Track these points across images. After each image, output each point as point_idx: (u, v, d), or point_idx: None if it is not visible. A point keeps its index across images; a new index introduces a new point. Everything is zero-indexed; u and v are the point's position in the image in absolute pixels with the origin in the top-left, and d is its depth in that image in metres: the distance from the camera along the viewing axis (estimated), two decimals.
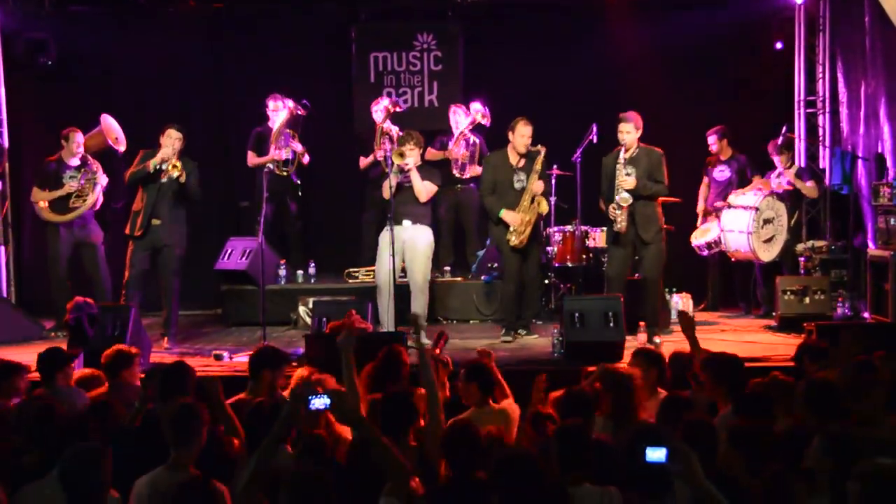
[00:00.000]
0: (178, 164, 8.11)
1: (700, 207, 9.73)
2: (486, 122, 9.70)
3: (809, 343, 6.13)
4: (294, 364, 6.76)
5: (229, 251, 9.50)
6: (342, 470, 4.01)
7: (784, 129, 9.67)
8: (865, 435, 4.04)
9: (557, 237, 9.18)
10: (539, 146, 8.17)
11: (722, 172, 9.60)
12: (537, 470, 3.67)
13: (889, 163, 8.85)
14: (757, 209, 8.63)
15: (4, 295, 9.88)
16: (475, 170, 9.59)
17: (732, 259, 9.13)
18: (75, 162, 9.06)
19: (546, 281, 9.33)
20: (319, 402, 3.77)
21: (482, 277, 9.53)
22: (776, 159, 9.40)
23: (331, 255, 10.63)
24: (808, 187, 9.40)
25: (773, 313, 8.79)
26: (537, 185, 8.16)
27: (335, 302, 8.35)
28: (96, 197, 9.05)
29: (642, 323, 7.95)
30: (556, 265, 9.26)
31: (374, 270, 8.51)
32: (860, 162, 9.44)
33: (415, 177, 8.16)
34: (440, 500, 3.70)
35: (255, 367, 5.42)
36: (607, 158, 8.05)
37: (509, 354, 7.57)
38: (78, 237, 9.07)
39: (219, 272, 9.54)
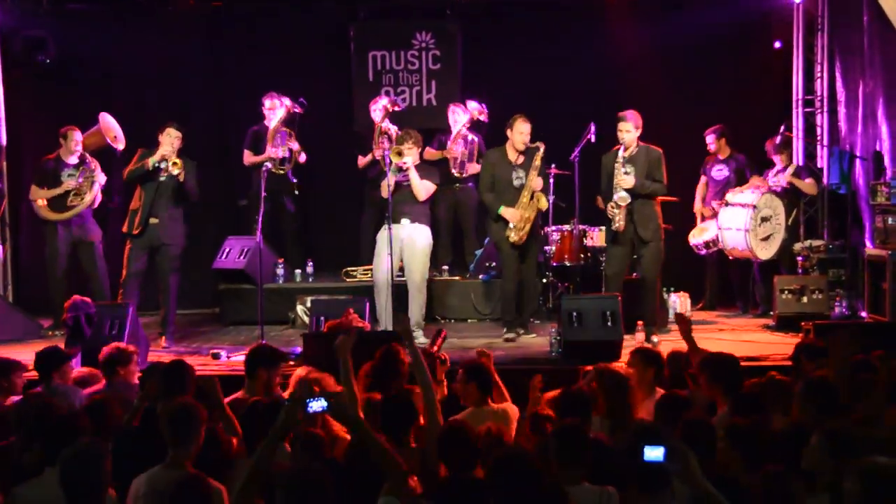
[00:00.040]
0: (179, 161, 8.10)
1: (697, 206, 9.73)
2: (483, 118, 9.70)
3: (807, 342, 6.13)
4: (292, 363, 6.78)
5: (227, 250, 9.51)
6: (340, 468, 4.01)
7: (782, 128, 9.68)
8: (864, 434, 4.04)
9: (555, 236, 9.18)
10: (538, 142, 8.17)
11: (720, 172, 9.60)
12: (535, 470, 3.67)
13: (887, 162, 8.84)
14: (754, 207, 8.63)
15: (2, 294, 9.86)
16: (474, 167, 9.60)
17: (730, 257, 9.13)
18: (74, 160, 9.06)
19: (544, 280, 9.33)
20: (317, 405, 3.77)
21: (480, 276, 9.53)
22: (776, 158, 9.41)
23: (329, 253, 10.63)
24: (807, 184, 9.41)
25: (771, 312, 8.80)
26: (536, 182, 8.16)
27: (333, 301, 8.35)
28: (94, 195, 9.04)
29: (640, 322, 7.95)
30: (554, 264, 9.26)
31: (371, 269, 8.50)
32: (858, 161, 9.44)
33: (413, 176, 8.16)
34: (438, 500, 3.69)
35: (251, 366, 5.43)
36: (607, 157, 8.06)
37: (506, 354, 7.57)
38: (76, 235, 9.06)
39: (217, 271, 9.55)
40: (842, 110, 9.81)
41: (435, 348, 6.14)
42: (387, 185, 8.07)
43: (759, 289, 9.45)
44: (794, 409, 4.68)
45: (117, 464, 3.96)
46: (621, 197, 7.86)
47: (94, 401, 4.99)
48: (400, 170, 8.15)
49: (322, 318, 7.70)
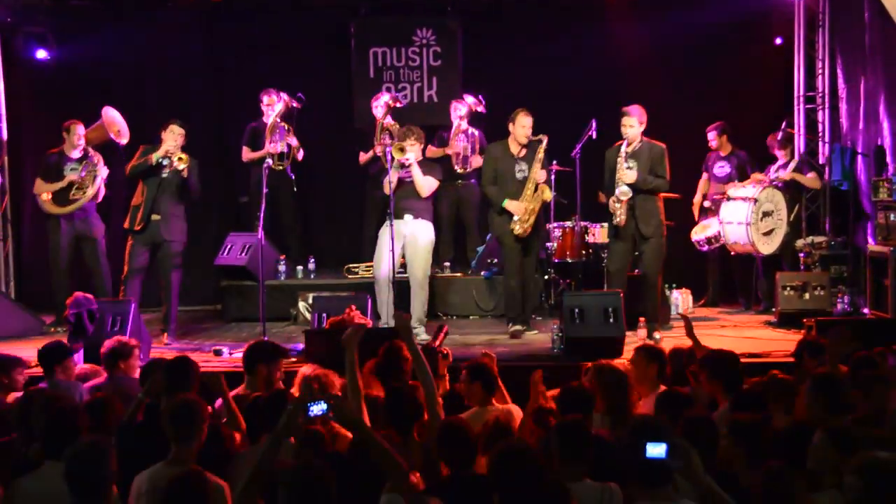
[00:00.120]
0: (185, 156, 8.10)
1: (697, 198, 9.72)
2: (481, 109, 9.68)
3: (809, 339, 6.12)
4: (293, 360, 6.78)
5: (229, 246, 9.51)
6: (343, 463, 4.01)
7: (784, 124, 9.68)
8: (866, 434, 4.04)
9: (557, 233, 9.18)
10: (541, 135, 8.17)
11: (722, 168, 9.60)
12: (537, 465, 3.67)
13: (889, 158, 8.84)
14: (755, 200, 8.62)
15: (4, 290, 9.87)
16: (477, 160, 9.57)
17: (732, 253, 9.12)
18: (77, 154, 9.05)
19: (546, 277, 9.33)
20: (317, 409, 3.80)
21: (482, 273, 9.52)
22: (778, 153, 9.41)
23: (331, 250, 10.65)
24: (810, 178, 9.42)
25: (773, 309, 8.79)
26: (540, 174, 8.17)
27: (335, 297, 8.33)
28: (96, 189, 9.02)
29: (642, 319, 7.96)
30: (556, 261, 9.26)
31: (373, 266, 8.49)
32: (860, 158, 9.44)
33: (416, 172, 8.15)
34: (441, 497, 3.69)
35: (250, 362, 5.42)
36: (610, 152, 8.05)
37: (509, 350, 7.58)
38: (79, 230, 9.06)
39: (218, 267, 9.55)
40: (843, 107, 9.82)
41: (437, 343, 6.15)
42: (388, 182, 8.06)
43: (761, 285, 9.46)
44: (799, 407, 4.69)
45: (119, 460, 3.96)
46: (623, 191, 7.86)
47: (95, 398, 5.00)
48: (402, 166, 8.14)
49: (324, 315, 7.70)
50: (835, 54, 9.91)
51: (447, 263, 9.85)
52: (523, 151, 8.25)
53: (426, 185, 8.21)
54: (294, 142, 9.83)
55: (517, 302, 8.34)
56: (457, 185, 9.81)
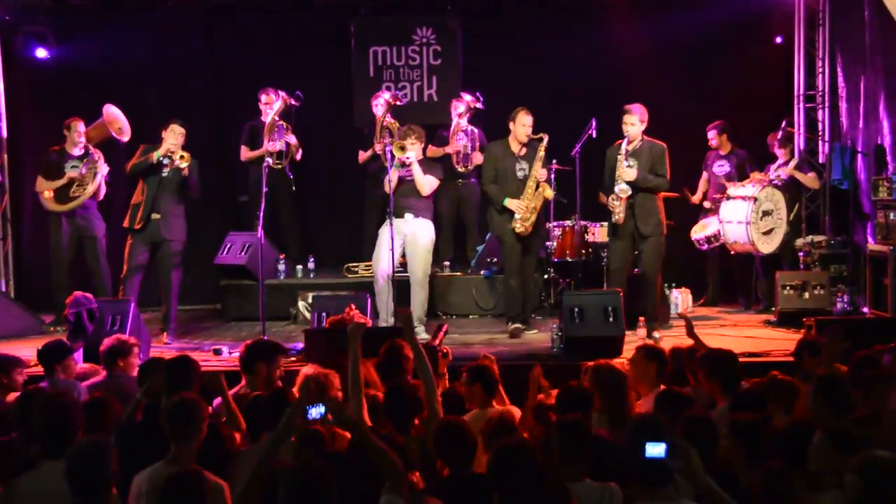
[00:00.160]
0: (187, 154, 8.09)
1: (697, 197, 9.72)
2: (479, 105, 9.67)
3: (809, 338, 6.12)
4: (293, 359, 6.78)
5: (229, 246, 9.51)
6: (342, 462, 4.01)
7: (784, 123, 9.68)
8: (866, 434, 4.03)
9: (557, 232, 9.18)
10: (541, 134, 8.17)
11: (721, 167, 9.60)
12: (537, 465, 3.67)
13: (888, 157, 8.85)
14: (755, 199, 8.61)
15: (3, 289, 9.87)
16: (478, 157, 9.55)
17: (732, 252, 9.11)
18: (77, 151, 9.05)
19: (545, 276, 9.33)
20: (315, 412, 3.81)
21: (482, 272, 9.52)
22: (778, 152, 9.40)
23: (330, 249, 10.65)
24: (810, 178, 9.42)
25: (773, 308, 8.79)
26: (541, 172, 8.16)
27: (335, 297, 8.32)
28: (96, 186, 8.99)
29: (642, 318, 7.96)
30: (556, 260, 9.27)
31: (372, 273, 8.47)
32: (860, 157, 9.44)
33: (417, 170, 8.15)
34: (441, 497, 3.69)
35: (250, 361, 5.41)
36: (611, 150, 8.05)
37: (509, 349, 7.58)
38: (79, 227, 9.05)
39: (218, 267, 9.55)
40: (843, 105, 9.81)
41: (437, 342, 6.15)
42: (388, 181, 8.06)
43: (760, 285, 9.45)
44: (799, 407, 4.69)
45: (119, 460, 3.96)
46: (622, 189, 7.86)
47: (93, 397, 5.00)
48: (403, 165, 8.14)
49: (323, 314, 7.69)
50: (835, 53, 9.91)
51: (447, 263, 9.84)
52: (523, 150, 8.25)
53: (427, 183, 8.20)
54: (293, 140, 9.83)
55: (517, 301, 8.34)
56: (457, 184, 9.80)
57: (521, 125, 8.17)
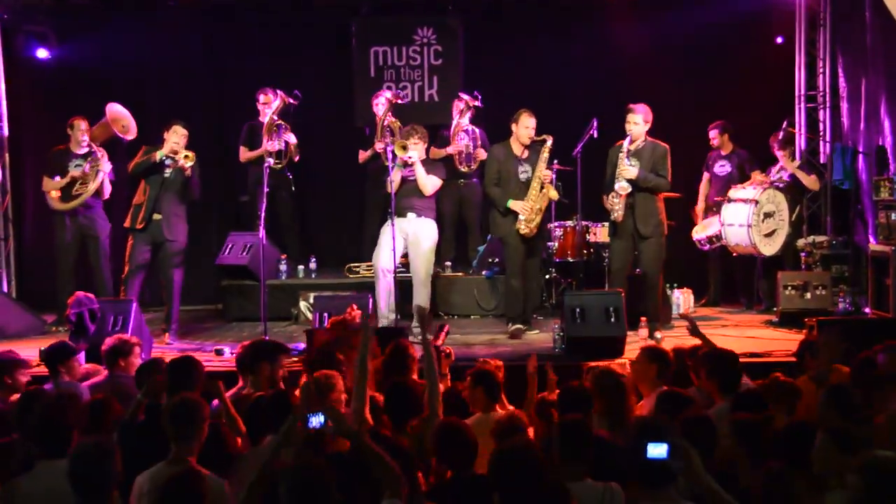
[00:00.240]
0: (191, 153, 8.10)
1: (700, 206, 9.72)
2: (477, 103, 9.65)
3: (811, 339, 6.12)
4: (295, 359, 6.78)
5: (230, 246, 9.52)
6: (344, 463, 4.01)
7: (785, 123, 9.67)
8: (866, 434, 4.04)
9: (558, 232, 9.19)
10: (545, 135, 8.17)
11: (723, 167, 9.61)
12: (537, 465, 3.67)
13: (890, 158, 8.84)
14: (757, 202, 8.62)
15: (5, 289, 9.87)
16: (481, 153, 9.54)
17: (734, 254, 9.12)
18: (81, 150, 9.05)
19: (547, 276, 9.33)
20: (315, 421, 3.84)
21: (483, 273, 9.52)
22: (779, 154, 9.40)
23: (332, 249, 10.66)
24: (811, 180, 9.41)
25: (774, 308, 8.79)
26: (546, 173, 8.16)
27: (336, 297, 8.32)
28: (98, 183, 8.98)
29: (643, 318, 7.95)
30: (557, 260, 9.27)
31: (373, 267, 8.47)
32: (861, 157, 9.44)
33: (419, 170, 8.15)
34: (442, 500, 3.70)
35: (253, 361, 5.41)
36: (613, 149, 8.03)
37: (511, 350, 7.57)
38: (83, 225, 9.06)
39: (220, 267, 9.56)
40: (844, 106, 9.81)
41: (439, 342, 6.15)
42: (390, 181, 8.05)
43: (762, 285, 9.45)
44: (801, 408, 4.69)
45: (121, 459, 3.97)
46: (622, 186, 7.85)
47: (94, 398, 5.00)
48: (406, 164, 8.14)
49: (325, 315, 7.69)
50: (836, 53, 9.91)
51: (448, 263, 9.84)
52: (525, 152, 8.24)
53: (429, 183, 8.20)
54: (292, 139, 9.82)
55: (518, 302, 8.33)
56: (459, 185, 9.79)
57: (524, 127, 8.16)
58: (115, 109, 9.32)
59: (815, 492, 3.68)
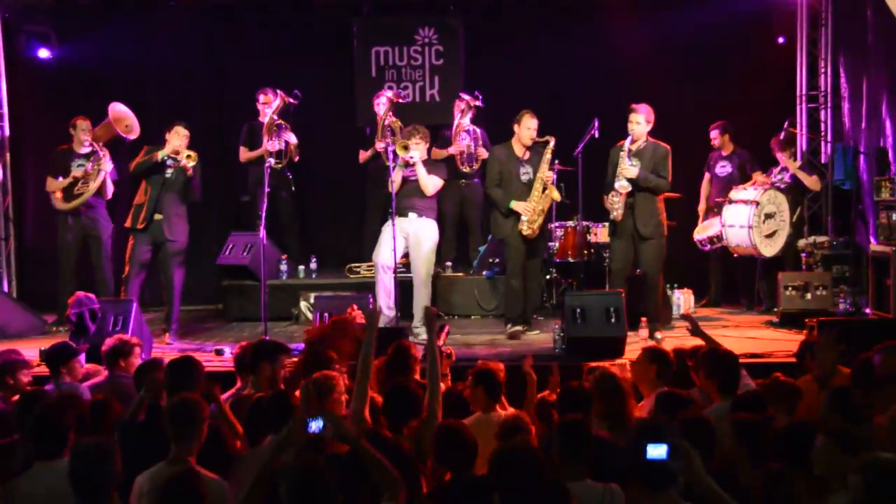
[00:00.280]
0: (193, 153, 8.10)
1: (701, 206, 9.71)
2: (478, 103, 9.65)
3: (811, 340, 6.11)
4: (296, 359, 6.77)
5: (231, 246, 9.52)
6: (343, 463, 4.01)
7: (786, 123, 9.67)
8: (866, 435, 4.04)
9: (559, 232, 9.19)
10: (548, 136, 8.16)
11: (724, 168, 9.60)
12: (537, 465, 3.67)
13: (891, 158, 8.83)
14: (757, 203, 8.61)
15: (6, 289, 9.87)
16: (483, 153, 9.53)
17: (734, 255, 9.11)
18: (83, 150, 9.06)
19: (547, 276, 9.32)
20: (315, 426, 3.85)
21: (484, 273, 9.52)
22: (779, 156, 9.39)
23: (332, 249, 10.66)
24: (812, 180, 9.40)
25: (775, 309, 8.79)
26: (549, 174, 8.15)
27: (337, 297, 8.33)
28: (100, 182, 8.98)
29: (644, 319, 7.95)
30: (558, 260, 9.27)
31: (374, 265, 8.47)
32: (862, 157, 9.43)
33: (421, 171, 8.14)
34: (442, 499, 3.70)
35: (253, 362, 5.41)
36: (614, 149, 8.03)
37: (511, 350, 7.57)
38: (85, 225, 9.07)
39: (220, 267, 9.56)
40: (845, 106, 9.80)
41: (440, 342, 6.15)
42: (391, 181, 8.05)
43: (762, 285, 9.44)
44: (801, 408, 4.69)
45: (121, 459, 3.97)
46: (622, 185, 7.85)
47: (94, 399, 5.00)
48: (407, 164, 8.14)
49: (326, 315, 7.69)
50: (837, 53, 9.90)
51: (449, 263, 9.84)
52: (527, 153, 8.24)
53: (431, 183, 8.20)
54: (292, 139, 9.81)
55: (518, 303, 8.32)
56: (461, 185, 9.80)
57: (526, 128, 8.15)
58: (118, 109, 9.31)
59: (818, 494, 3.67)
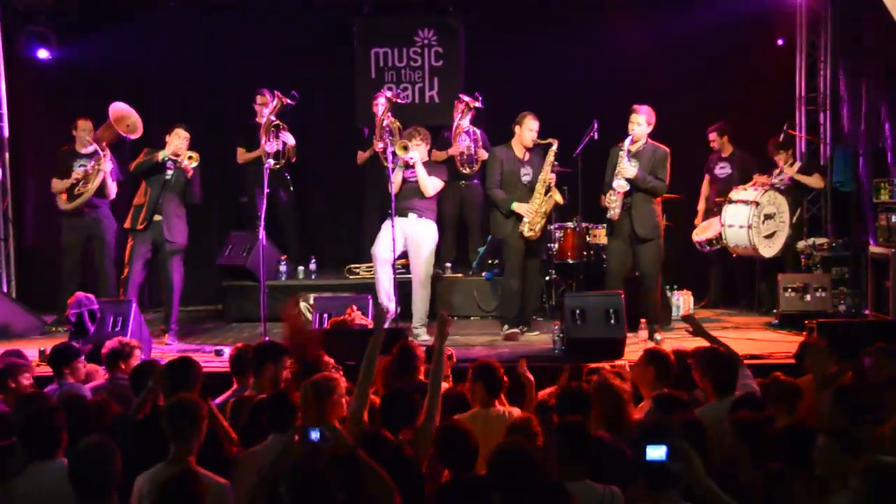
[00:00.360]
0: (195, 154, 8.10)
1: (701, 207, 9.72)
2: (478, 104, 9.65)
3: (811, 341, 6.12)
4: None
5: (230, 246, 9.53)
6: (343, 463, 4.01)
7: (785, 126, 9.67)
8: (867, 436, 4.04)
9: (558, 234, 9.19)
10: (550, 139, 8.16)
11: (723, 169, 9.61)
12: (537, 465, 3.67)
13: (890, 160, 8.84)
14: (757, 203, 8.62)
15: (5, 289, 9.87)
16: (483, 154, 9.53)
17: (734, 255, 9.11)
18: (86, 150, 9.06)
19: (547, 278, 9.32)
20: (315, 436, 3.89)
21: (483, 274, 9.53)
22: (777, 159, 9.38)
23: (332, 250, 10.66)
24: (814, 178, 9.42)
25: (774, 310, 8.79)
26: (551, 176, 8.16)
27: (336, 298, 8.33)
28: (99, 182, 8.97)
29: (643, 320, 7.95)
30: (557, 261, 9.27)
31: (372, 263, 8.46)
32: (861, 159, 9.44)
33: (421, 172, 8.14)
34: (443, 499, 3.70)
35: (257, 363, 5.40)
36: (614, 149, 8.03)
37: (510, 351, 7.57)
38: (88, 228, 9.08)
39: (220, 267, 9.56)
40: (844, 108, 9.80)
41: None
42: (391, 181, 8.05)
43: (762, 287, 9.44)
44: (801, 408, 4.69)
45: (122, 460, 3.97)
46: (620, 184, 7.85)
47: (94, 401, 5.00)
48: (407, 166, 8.14)
49: (325, 315, 7.70)
50: (836, 55, 9.90)
51: (449, 264, 9.84)
52: (528, 155, 8.24)
53: (431, 184, 8.20)
54: (290, 140, 9.81)
55: (515, 304, 8.32)
56: (460, 186, 9.79)
57: (528, 130, 8.16)
58: (119, 108, 9.29)
59: (819, 494, 3.68)
